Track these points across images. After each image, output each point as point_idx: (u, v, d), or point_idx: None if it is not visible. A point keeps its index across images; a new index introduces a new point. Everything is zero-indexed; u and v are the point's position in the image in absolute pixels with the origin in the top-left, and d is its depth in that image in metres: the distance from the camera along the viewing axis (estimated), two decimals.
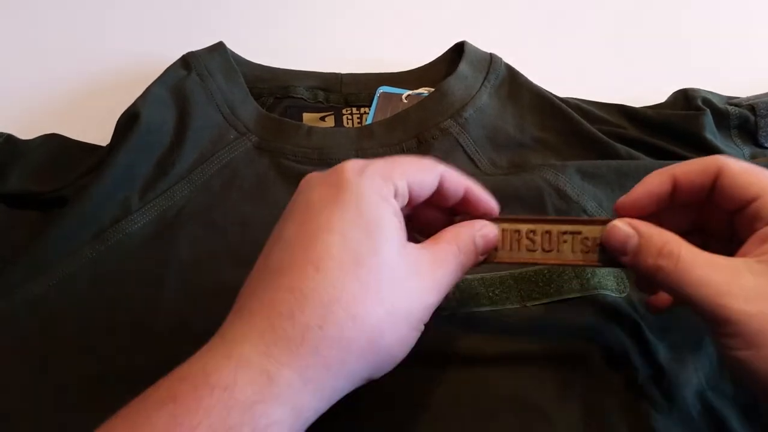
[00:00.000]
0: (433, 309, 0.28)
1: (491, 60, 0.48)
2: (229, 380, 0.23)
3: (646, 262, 0.28)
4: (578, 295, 0.37)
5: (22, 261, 0.38)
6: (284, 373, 0.24)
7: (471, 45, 0.49)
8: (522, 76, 0.48)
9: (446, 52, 0.50)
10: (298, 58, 0.51)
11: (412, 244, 0.28)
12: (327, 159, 0.43)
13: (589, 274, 0.38)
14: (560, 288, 0.37)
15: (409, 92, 0.49)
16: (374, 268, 0.25)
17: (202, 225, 0.40)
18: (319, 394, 0.25)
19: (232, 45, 0.49)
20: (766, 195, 0.28)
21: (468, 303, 0.37)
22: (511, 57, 0.49)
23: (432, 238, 0.30)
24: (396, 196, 0.28)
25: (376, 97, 0.49)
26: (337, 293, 0.24)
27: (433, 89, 0.47)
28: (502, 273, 0.38)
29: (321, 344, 0.24)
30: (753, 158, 0.46)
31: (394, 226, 0.27)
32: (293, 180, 0.42)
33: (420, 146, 0.44)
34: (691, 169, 0.30)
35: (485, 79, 0.47)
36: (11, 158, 0.44)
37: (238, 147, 0.44)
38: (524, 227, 0.31)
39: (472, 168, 0.43)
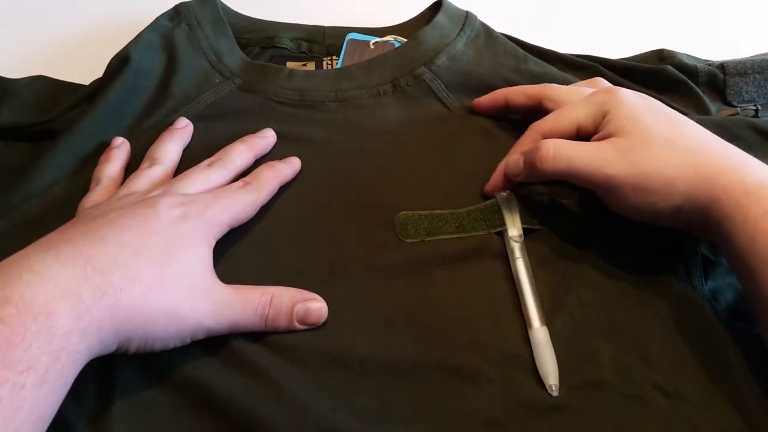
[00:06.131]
0: (206, 334, 0.32)
1: (467, 15, 0.50)
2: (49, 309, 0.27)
3: (544, 166, 0.35)
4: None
5: (18, 185, 0.41)
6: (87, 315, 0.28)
7: (449, 2, 0.51)
8: (496, 31, 0.50)
9: (425, 9, 0.52)
10: (285, 11, 0.53)
11: (220, 283, 0.33)
12: (308, 100, 0.45)
13: None
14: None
15: (377, 39, 0.51)
16: (175, 274, 0.31)
17: (184, 154, 0.42)
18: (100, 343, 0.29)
19: None
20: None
21: (437, 232, 0.39)
22: (493, 20, 0.51)
23: (255, 287, 0.34)
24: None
25: (345, 43, 0.51)
26: (141, 274, 0.30)
27: (402, 38, 0.50)
28: (470, 208, 0.40)
29: (115, 304, 0.29)
30: None
31: (204, 260, 0.33)
32: (275, 119, 0.44)
33: (395, 91, 0.46)
34: (519, 95, 0.42)
35: (461, 30, 0.49)
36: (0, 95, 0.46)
37: (223, 89, 0.46)
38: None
39: (444, 111, 0.45)
